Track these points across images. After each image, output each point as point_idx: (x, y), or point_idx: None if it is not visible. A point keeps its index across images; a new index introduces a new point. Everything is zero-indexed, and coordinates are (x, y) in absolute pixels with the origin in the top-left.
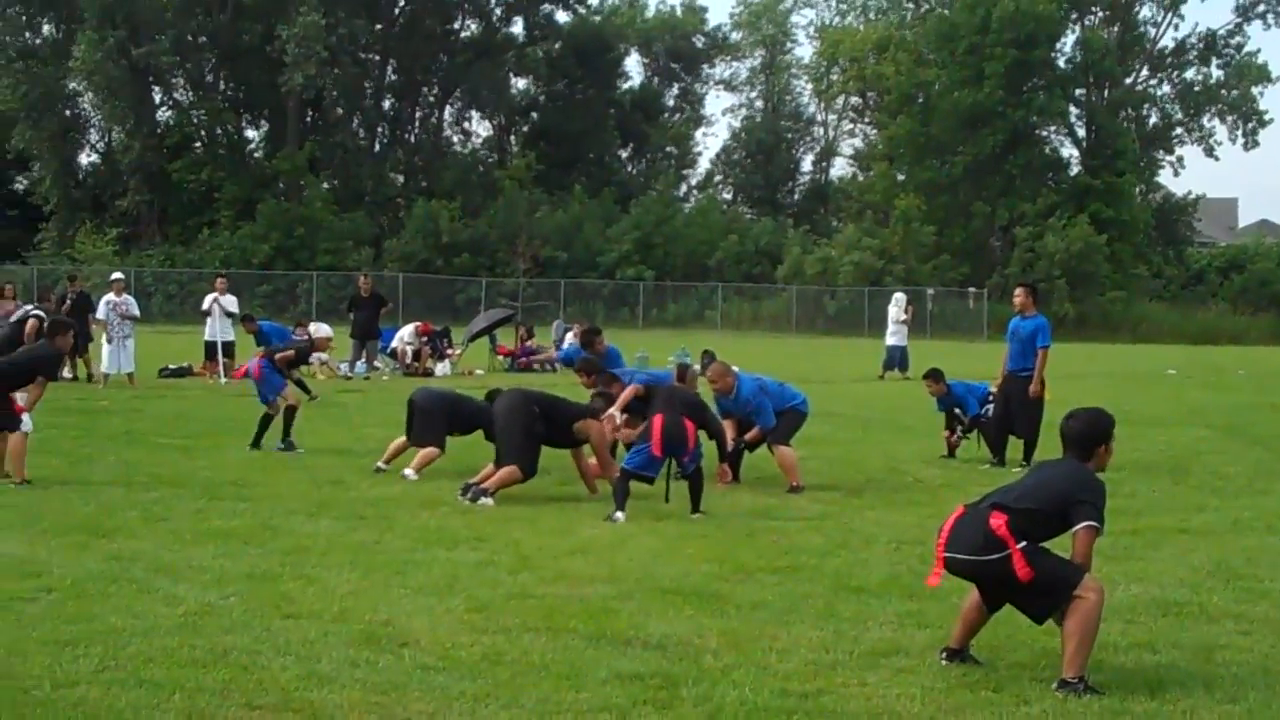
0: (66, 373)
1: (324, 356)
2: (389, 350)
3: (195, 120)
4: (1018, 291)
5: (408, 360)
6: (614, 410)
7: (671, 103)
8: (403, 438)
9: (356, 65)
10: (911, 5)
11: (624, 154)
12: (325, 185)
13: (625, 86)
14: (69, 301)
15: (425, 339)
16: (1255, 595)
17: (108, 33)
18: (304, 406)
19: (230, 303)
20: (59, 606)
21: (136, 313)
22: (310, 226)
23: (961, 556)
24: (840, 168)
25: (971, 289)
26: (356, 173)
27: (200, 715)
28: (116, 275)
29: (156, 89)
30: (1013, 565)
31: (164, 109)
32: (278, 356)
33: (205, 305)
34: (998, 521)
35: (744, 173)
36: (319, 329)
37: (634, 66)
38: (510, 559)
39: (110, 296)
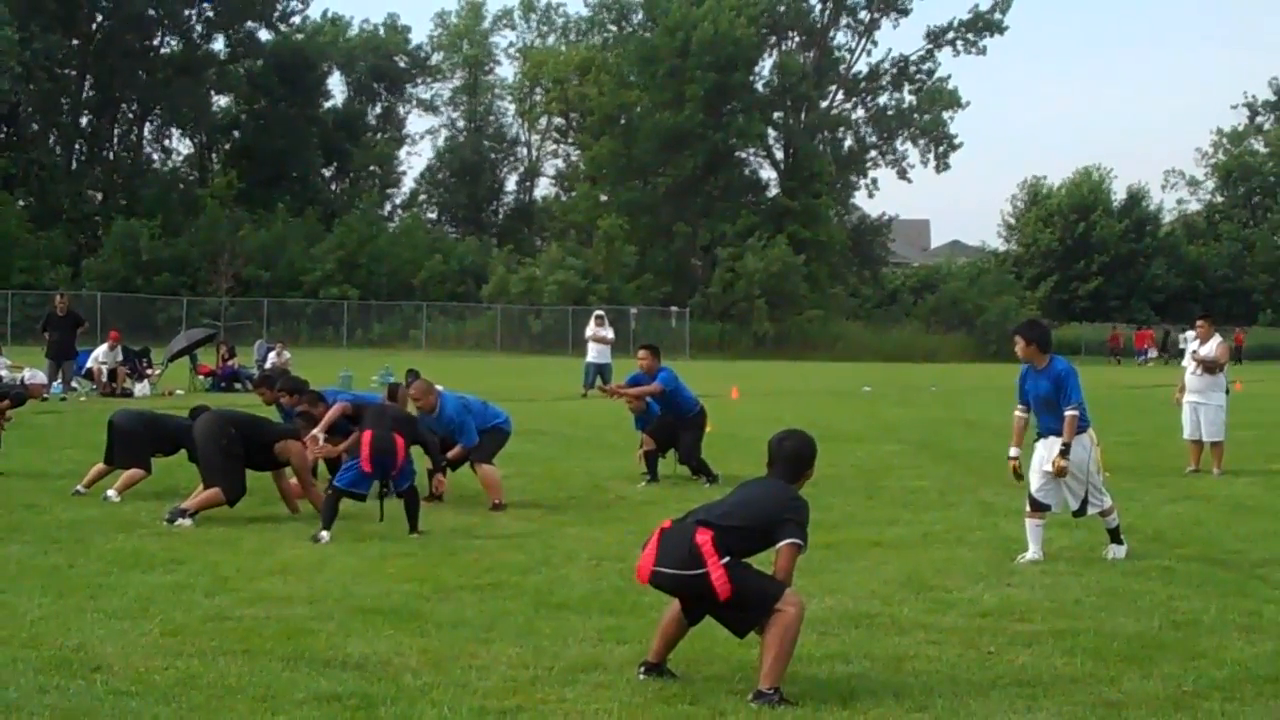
0: None
1: (19, 377)
2: (85, 371)
3: None
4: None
5: (104, 380)
6: (317, 431)
7: (374, 122)
8: (102, 463)
9: (52, 80)
10: (614, 28)
11: (327, 173)
12: (20, 202)
13: (328, 105)
14: None
15: (117, 349)
16: (944, 605)
17: None
18: None
19: None
20: None
21: None
22: (4, 244)
23: (668, 571)
24: (544, 188)
25: (674, 308)
26: (53, 190)
27: None
28: None
29: None
30: (713, 581)
31: None
32: None
33: None
34: (703, 538)
35: (448, 192)
36: (34, 376)
37: (337, 85)
38: (208, 581)
39: None
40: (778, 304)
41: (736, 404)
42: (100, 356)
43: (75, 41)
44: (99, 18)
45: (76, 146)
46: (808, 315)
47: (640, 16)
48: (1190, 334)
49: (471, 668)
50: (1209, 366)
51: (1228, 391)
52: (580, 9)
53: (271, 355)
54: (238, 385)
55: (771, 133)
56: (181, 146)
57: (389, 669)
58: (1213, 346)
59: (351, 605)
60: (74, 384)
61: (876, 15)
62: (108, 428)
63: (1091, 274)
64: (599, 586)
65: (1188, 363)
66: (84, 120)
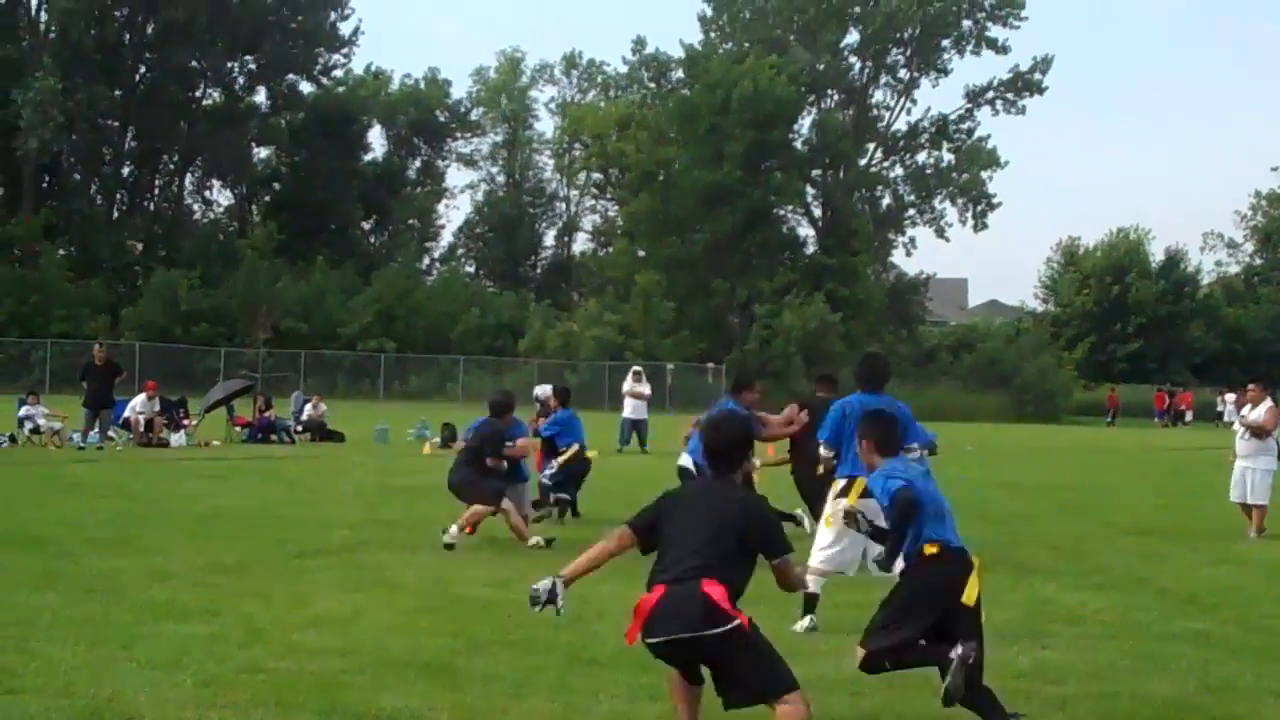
0: None
1: (56, 425)
2: (122, 420)
3: None
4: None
5: (141, 430)
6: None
7: (414, 175)
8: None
9: (95, 131)
10: (653, 85)
11: (367, 225)
12: (61, 251)
13: (368, 158)
14: None
15: (154, 399)
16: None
17: None
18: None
19: None
20: None
21: None
22: (45, 293)
23: (682, 636)
24: (582, 243)
25: (711, 364)
26: (94, 239)
27: None
28: None
29: None
30: (737, 636)
31: None
32: None
33: None
34: (714, 589)
35: (486, 246)
36: None
37: (377, 139)
38: (241, 632)
39: None
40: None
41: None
42: (138, 406)
43: (118, 92)
44: (142, 69)
45: (118, 197)
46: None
47: (680, 74)
48: (1230, 397)
49: None
50: (1256, 431)
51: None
52: (620, 66)
53: (308, 407)
54: (274, 437)
55: (810, 190)
56: (222, 198)
57: None
58: (1262, 411)
59: (384, 659)
60: (111, 434)
61: (916, 74)
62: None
63: (1129, 336)
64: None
65: (1237, 426)
66: (125, 171)
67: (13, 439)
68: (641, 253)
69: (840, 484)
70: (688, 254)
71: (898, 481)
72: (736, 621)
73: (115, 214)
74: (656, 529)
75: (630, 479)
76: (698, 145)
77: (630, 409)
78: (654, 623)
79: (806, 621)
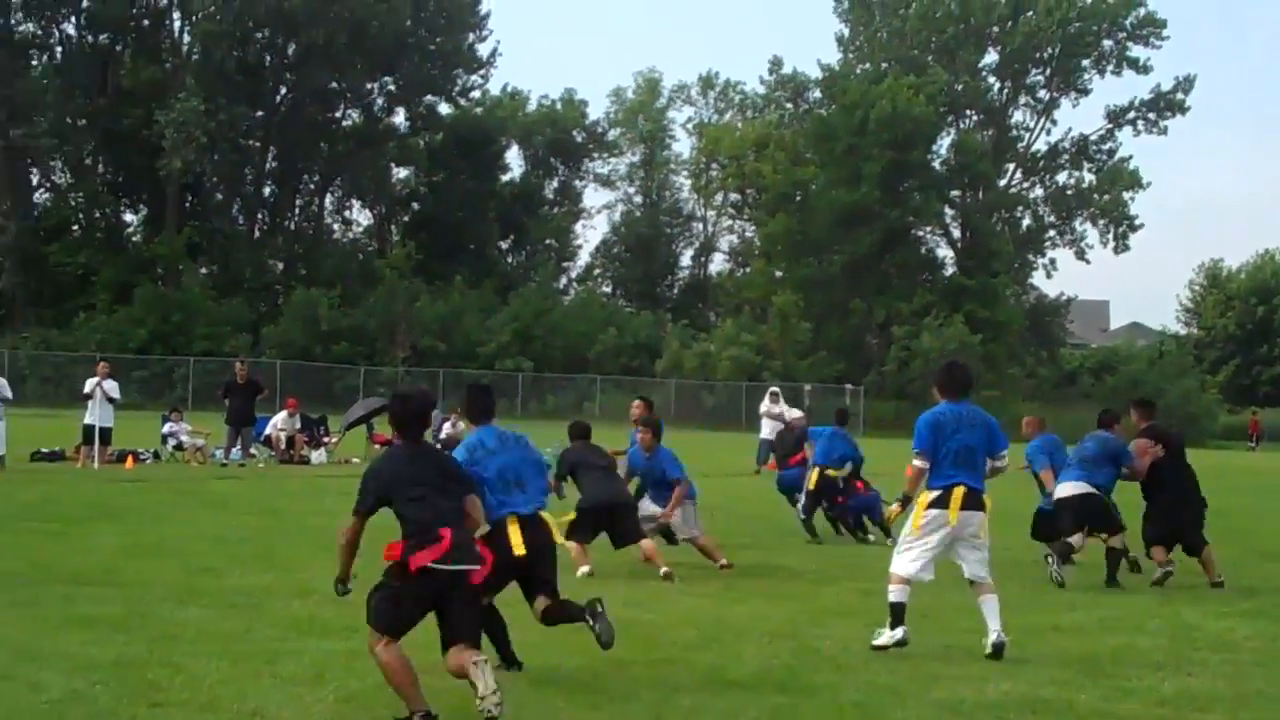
0: None
1: (199, 442)
2: (263, 437)
3: (73, 203)
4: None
5: (282, 447)
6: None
7: (551, 195)
8: None
9: (236, 151)
10: (790, 105)
11: (504, 245)
12: (203, 270)
13: (506, 178)
14: None
15: (295, 417)
16: (1122, 693)
17: None
18: (178, 494)
19: (112, 388)
20: None
21: (8, 394)
22: (188, 312)
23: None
24: (719, 263)
25: (848, 385)
26: (235, 258)
27: None
28: None
29: (34, 171)
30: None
31: (41, 191)
32: None
33: (87, 389)
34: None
35: (623, 266)
36: None
37: (515, 159)
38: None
39: None
40: None
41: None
42: (279, 424)
43: (259, 113)
44: (282, 90)
45: (259, 216)
46: (984, 395)
47: (817, 94)
48: None
49: None
50: None
51: None
52: (757, 86)
53: (446, 426)
54: None
55: (949, 211)
56: (361, 218)
57: None
58: None
59: (526, 677)
60: (253, 450)
61: (1056, 95)
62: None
63: (1275, 358)
64: (771, 664)
65: None
66: (266, 191)
67: (156, 455)
68: (779, 273)
69: (935, 494)
70: (825, 274)
71: None
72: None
73: (256, 233)
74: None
75: (769, 500)
76: (835, 165)
77: (767, 430)
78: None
79: (899, 634)
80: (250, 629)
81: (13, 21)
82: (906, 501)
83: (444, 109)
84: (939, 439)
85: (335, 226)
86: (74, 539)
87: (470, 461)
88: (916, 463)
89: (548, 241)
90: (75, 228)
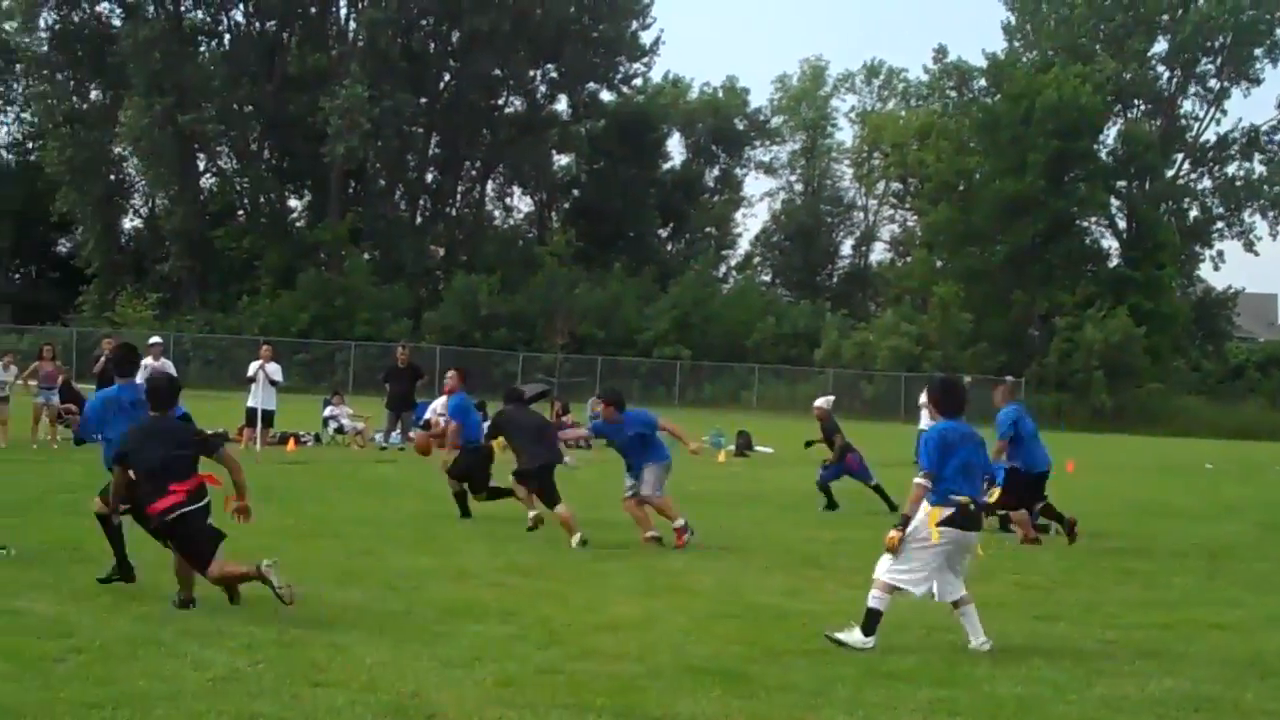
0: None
1: (359, 426)
2: (423, 422)
3: (238, 188)
4: None
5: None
6: None
7: (712, 183)
8: None
9: (400, 138)
10: (954, 94)
11: (664, 233)
12: (366, 256)
13: (667, 166)
14: (103, 363)
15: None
16: None
17: (155, 99)
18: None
19: (275, 371)
20: (87, 668)
21: (171, 371)
22: (350, 296)
23: None
24: (879, 253)
25: (1009, 377)
26: (397, 244)
27: None
28: (154, 339)
29: (201, 156)
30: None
31: (208, 176)
32: None
33: (250, 372)
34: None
35: (783, 255)
36: None
37: (676, 147)
38: (539, 633)
39: (148, 361)
40: (1117, 376)
41: (1072, 478)
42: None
43: (423, 100)
44: (446, 77)
45: (421, 203)
46: (1147, 388)
47: (982, 82)
48: None
49: None
50: None
51: None
52: (920, 74)
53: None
54: (569, 442)
55: (1114, 201)
56: (522, 204)
57: None
58: None
59: (680, 664)
60: (412, 434)
61: (1227, 84)
62: None
63: None
64: (929, 657)
65: None
66: (429, 177)
67: (317, 438)
68: (940, 263)
69: (947, 513)
70: (987, 265)
71: None
72: None
73: (418, 219)
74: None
75: None
76: (999, 155)
77: (926, 421)
78: None
79: (858, 636)
80: (409, 611)
81: (183, 9)
82: (906, 523)
83: (606, 96)
84: (946, 456)
85: (496, 213)
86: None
87: None
88: (921, 480)
89: (707, 229)
90: (240, 213)
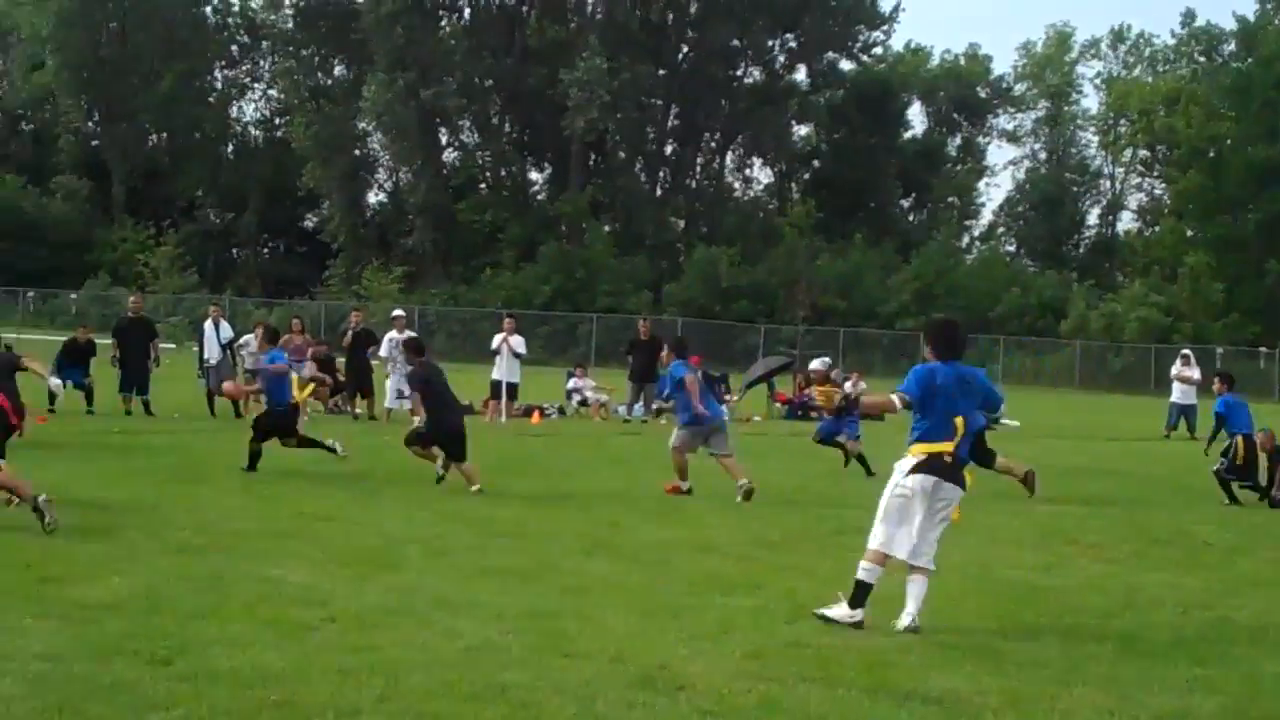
0: (357, 409)
1: (603, 398)
2: (665, 395)
3: (480, 162)
4: None
5: None
6: None
7: (954, 152)
8: None
9: (639, 110)
10: (1203, 59)
11: (905, 203)
12: (606, 228)
13: (907, 135)
14: (350, 335)
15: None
16: None
17: (397, 75)
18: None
19: (518, 343)
20: (342, 636)
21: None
22: (591, 269)
23: None
24: (1127, 221)
25: (1263, 349)
26: (637, 216)
27: None
28: (397, 312)
29: (443, 131)
30: None
31: (450, 150)
32: None
33: (494, 345)
34: None
35: (1027, 225)
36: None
37: (916, 116)
38: (786, 607)
39: (392, 334)
40: None
41: None
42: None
43: (661, 72)
44: (684, 48)
45: (660, 174)
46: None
47: (1232, 47)
48: None
49: (1054, 711)
50: None
51: None
52: (1168, 39)
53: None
54: (812, 415)
55: None
56: (762, 175)
57: (969, 706)
58: None
59: (930, 639)
60: (655, 406)
61: None
62: None
63: None
64: (1185, 635)
65: None
66: (668, 149)
67: (561, 410)
68: (1190, 232)
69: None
70: (1240, 233)
71: None
72: None
73: (658, 191)
74: None
75: (1176, 465)
76: (1251, 120)
77: (1178, 393)
78: None
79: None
80: (655, 583)
81: None
82: (849, 400)
83: (845, 65)
84: (927, 395)
85: (736, 184)
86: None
87: None
88: (895, 399)
89: (950, 199)
90: (482, 186)
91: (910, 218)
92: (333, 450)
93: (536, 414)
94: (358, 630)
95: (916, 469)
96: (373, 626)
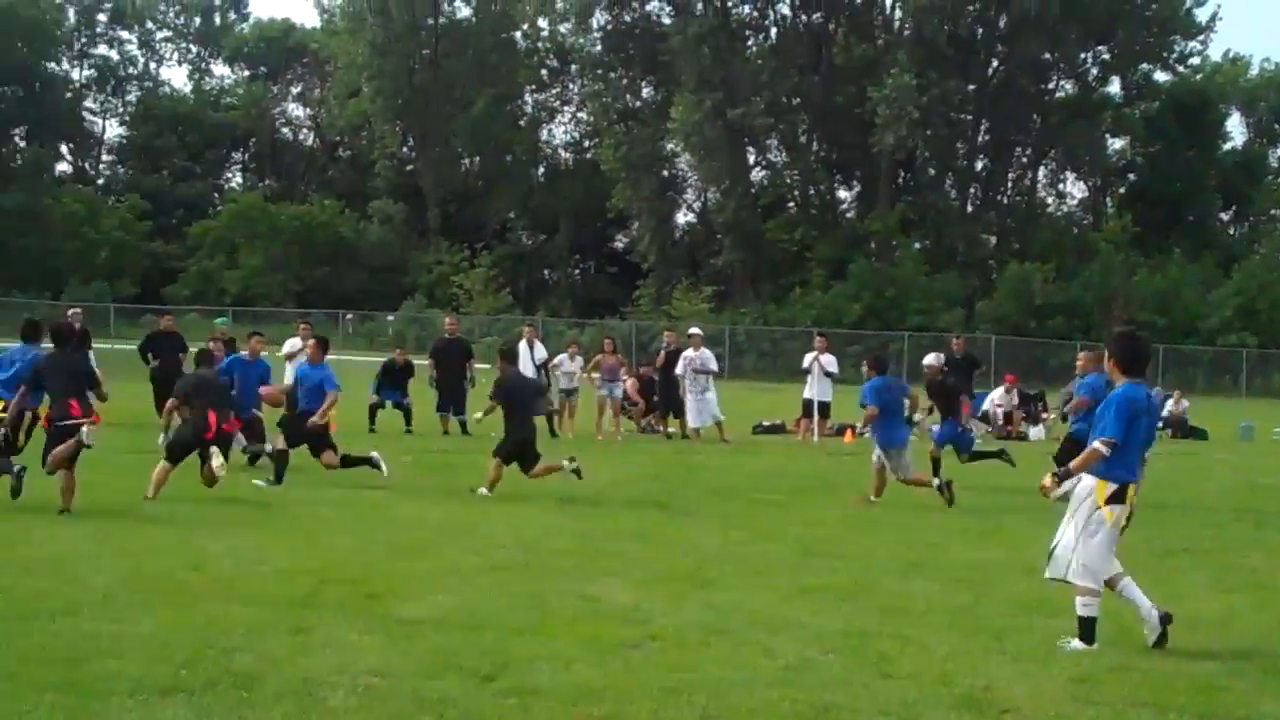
0: (670, 428)
1: (918, 417)
2: (981, 413)
3: (788, 181)
4: None
5: (999, 422)
6: None
7: (1276, 164)
8: None
9: (948, 126)
10: None
11: (1225, 216)
12: (916, 245)
13: (1227, 147)
14: (663, 355)
15: (1013, 393)
16: None
17: (705, 95)
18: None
19: (830, 362)
20: (662, 654)
21: (713, 367)
22: (901, 287)
23: None
24: None
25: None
26: (948, 233)
27: None
28: (693, 330)
29: (751, 150)
30: None
31: (758, 169)
32: None
33: (805, 363)
34: None
35: None
36: None
37: (1236, 126)
38: (1111, 629)
39: (689, 353)
40: None
41: None
42: (996, 399)
43: (971, 87)
44: (994, 63)
45: (971, 190)
46: None
47: None
48: None
49: None
50: None
51: None
52: None
53: (1169, 403)
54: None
55: None
56: (1075, 190)
57: None
58: None
59: (1264, 664)
60: (970, 425)
61: None
62: None
63: None
64: None
65: None
66: (979, 164)
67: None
68: None
69: (1113, 489)
70: None
71: None
72: None
73: (969, 208)
74: None
75: None
76: None
77: None
78: None
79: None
80: (977, 604)
81: (730, 4)
82: (1066, 478)
83: (1160, 77)
84: (1131, 423)
85: (1049, 199)
86: (796, 510)
87: None
88: (1101, 447)
89: (1273, 211)
90: (791, 204)
91: (1231, 231)
92: (377, 466)
93: (850, 433)
94: (677, 648)
95: (1115, 499)
96: (692, 645)
